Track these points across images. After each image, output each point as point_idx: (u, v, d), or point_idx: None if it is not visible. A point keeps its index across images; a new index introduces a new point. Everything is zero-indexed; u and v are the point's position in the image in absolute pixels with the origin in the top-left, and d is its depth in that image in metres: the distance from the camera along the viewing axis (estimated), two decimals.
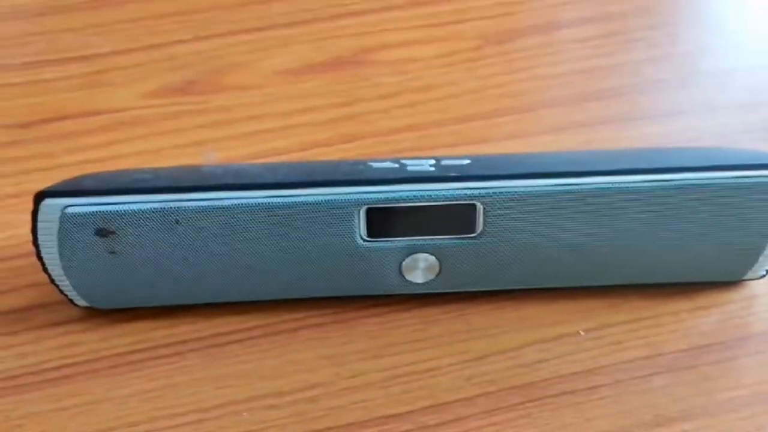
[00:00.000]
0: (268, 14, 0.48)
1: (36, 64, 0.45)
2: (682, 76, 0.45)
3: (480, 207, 0.30)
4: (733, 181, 0.30)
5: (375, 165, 0.32)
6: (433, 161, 0.32)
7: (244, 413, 0.31)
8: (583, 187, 0.30)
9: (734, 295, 0.34)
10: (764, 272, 0.34)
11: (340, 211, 0.30)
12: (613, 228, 0.31)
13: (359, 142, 0.41)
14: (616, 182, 0.30)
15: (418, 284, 0.33)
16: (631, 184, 0.30)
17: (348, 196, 0.30)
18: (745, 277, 0.34)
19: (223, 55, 0.46)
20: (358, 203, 0.30)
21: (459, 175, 0.30)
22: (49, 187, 0.30)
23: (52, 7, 0.47)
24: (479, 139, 0.41)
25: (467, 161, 0.32)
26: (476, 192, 0.30)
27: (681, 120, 0.43)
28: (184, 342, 0.33)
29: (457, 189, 0.30)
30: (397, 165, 0.32)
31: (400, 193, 0.30)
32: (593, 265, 0.32)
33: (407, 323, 0.34)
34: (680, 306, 0.34)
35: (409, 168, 0.31)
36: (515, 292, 0.34)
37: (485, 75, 0.45)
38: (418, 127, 0.42)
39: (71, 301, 0.33)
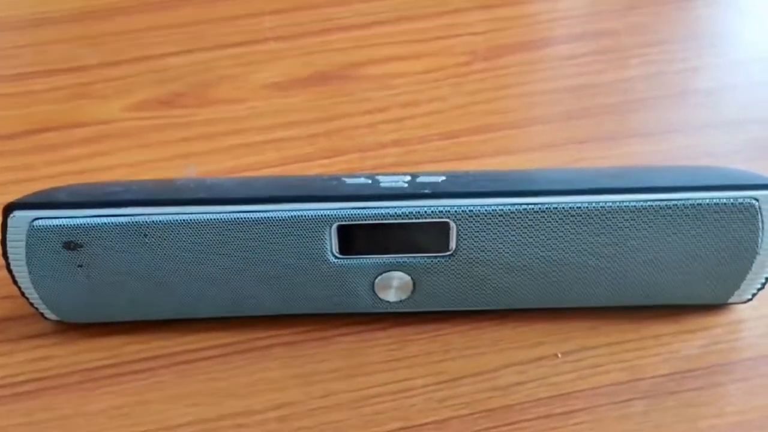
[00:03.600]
0: (257, 28, 0.48)
1: (24, 76, 0.46)
2: (674, 94, 0.44)
3: (453, 225, 0.30)
4: (715, 202, 0.30)
5: (348, 181, 0.31)
6: (408, 177, 0.32)
7: None
8: (561, 206, 0.30)
9: (720, 320, 0.33)
10: (750, 296, 0.33)
11: (312, 227, 0.30)
12: (593, 248, 0.30)
13: (342, 157, 0.41)
14: (594, 202, 0.30)
15: (391, 303, 0.32)
16: (611, 204, 0.29)
17: (319, 212, 0.30)
18: (731, 301, 0.33)
19: (210, 69, 0.46)
20: (330, 220, 0.30)
21: (432, 192, 0.30)
22: (18, 199, 0.30)
23: (41, 20, 0.48)
24: (464, 155, 0.41)
25: (443, 178, 0.32)
26: (449, 209, 0.30)
27: (672, 138, 0.42)
28: (156, 358, 0.33)
29: (430, 206, 0.30)
30: (370, 181, 0.31)
31: (372, 210, 0.30)
32: (573, 286, 0.32)
33: (382, 342, 0.33)
34: (663, 329, 0.33)
35: (382, 184, 0.31)
36: (494, 312, 0.33)
37: (473, 91, 0.44)
38: (402, 142, 0.41)
39: (42, 314, 0.33)
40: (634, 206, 0.30)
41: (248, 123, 0.43)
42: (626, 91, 0.44)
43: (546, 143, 0.41)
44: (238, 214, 0.30)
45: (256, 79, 0.45)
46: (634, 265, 0.31)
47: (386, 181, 0.31)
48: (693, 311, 0.33)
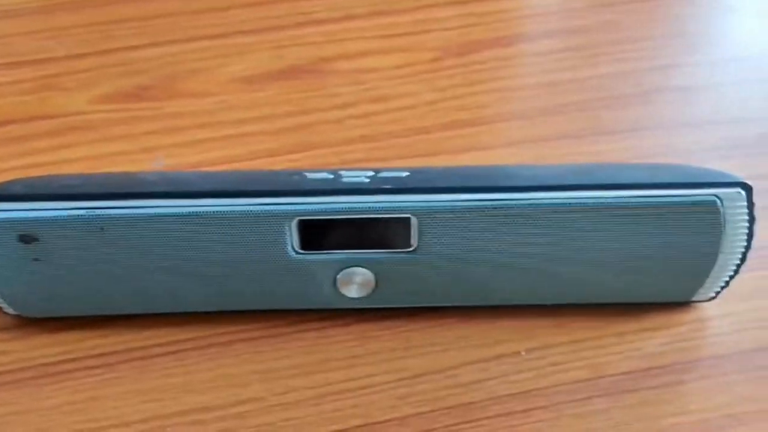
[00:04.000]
0: (228, 21, 0.48)
1: None
2: (646, 92, 0.44)
3: (414, 221, 0.30)
4: (677, 200, 0.30)
5: (310, 176, 0.31)
6: (371, 173, 0.31)
7: (168, 429, 0.30)
8: (521, 202, 0.29)
9: (684, 317, 0.33)
10: (714, 294, 0.33)
11: (272, 222, 0.30)
12: (555, 245, 0.30)
13: (309, 152, 0.40)
14: (556, 198, 0.29)
15: (353, 299, 0.32)
16: (573, 200, 0.29)
17: (280, 207, 0.29)
18: (695, 299, 0.33)
19: (179, 62, 0.45)
20: (290, 215, 0.29)
21: (393, 187, 0.30)
22: None
23: (6, 11, 0.47)
24: (433, 151, 0.40)
25: (406, 173, 0.31)
26: (410, 205, 0.29)
27: (643, 137, 0.42)
28: (114, 353, 0.32)
29: (391, 202, 0.29)
30: (332, 176, 0.31)
31: (333, 205, 0.29)
32: (536, 283, 0.32)
33: (344, 339, 0.33)
34: (626, 327, 0.33)
35: (344, 179, 0.31)
36: (457, 309, 0.33)
37: (443, 87, 0.44)
38: (371, 138, 0.41)
39: (0, 308, 0.32)
40: (594, 203, 0.29)
41: (216, 117, 0.42)
42: (598, 89, 0.44)
43: (517, 140, 0.41)
44: (197, 208, 0.29)
45: (226, 72, 0.45)
46: (599, 263, 0.31)
47: (348, 176, 0.31)
48: (657, 309, 0.33)
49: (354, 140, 0.41)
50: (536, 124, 0.42)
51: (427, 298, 0.32)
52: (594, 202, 0.29)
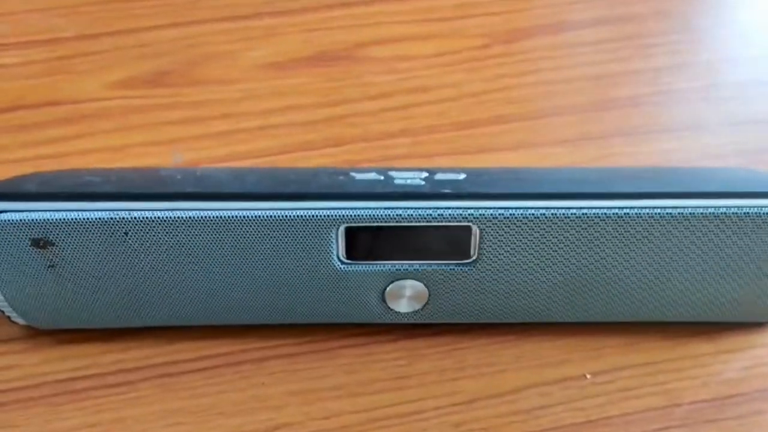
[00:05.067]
0: (253, 1, 0.44)
1: None
2: (703, 86, 0.41)
3: (476, 230, 0.27)
4: (756, 210, 0.26)
5: (358, 176, 0.28)
6: (425, 174, 0.28)
7: None
8: (595, 211, 0.26)
9: (762, 339, 0.30)
10: None
11: (315, 229, 0.26)
12: (628, 258, 0.27)
13: (346, 146, 0.37)
14: (635, 207, 0.26)
15: (402, 314, 0.29)
16: (648, 210, 0.26)
17: (325, 212, 0.26)
18: None
19: (201, 44, 0.42)
20: (336, 221, 0.26)
21: (453, 192, 0.27)
22: None
23: None
24: (479, 148, 0.37)
25: (463, 175, 0.28)
26: (472, 212, 0.26)
27: (701, 135, 0.39)
28: (136, 369, 0.29)
29: (451, 208, 0.26)
30: (382, 177, 0.28)
31: (386, 211, 0.26)
32: (605, 300, 0.29)
33: (391, 357, 0.30)
34: (702, 349, 0.30)
35: (396, 181, 0.27)
36: (515, 326, 0.30)
37: (489, 77, 0.41)
38: (411, 132, 0.38)
39: (8, 318, 0.29)
40: (680, 213, 0.26)
41: (242, 106, 0.39)
42: (652, 82, 0.41)
43: (568, 137, 0.38)
44: (232, 212, 0.26)
45: (252, 57, 0.42)
46: (673, 277, 0.28)
47: (401, 178, 0.28)
48: (733, 329, 0.30)
49: (394, 134, 0.38)
50: (588, 120, 0.39)
51: (484, 314, 0.29)
52: (680, 213, 0.26)
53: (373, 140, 0.38)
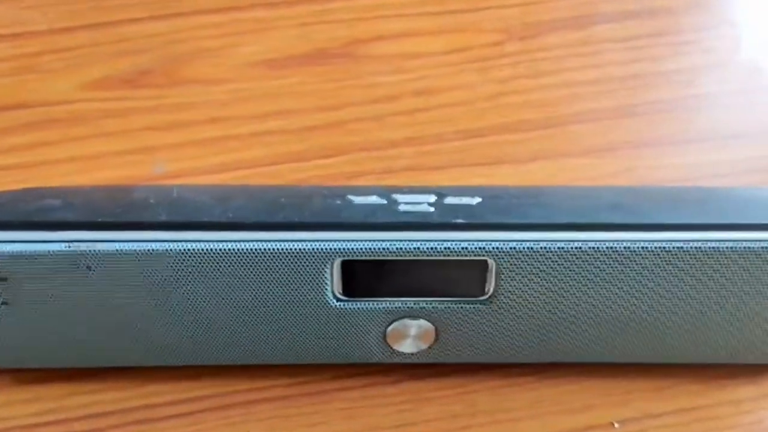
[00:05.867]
0: None
1: None
2: (743, 89, 0.38)
3: (492, 264, 0.24)
4: None
5: (357, 200, 0.25)
6: (433, 197, 0.25)
7: None
8: (629, 244, 0.24)
9: None
10: None
11: (308, 263, 0.24)
12: (664, 294, 0.25)
13: (344, 157, 0.34)
14: (672, 240, 0.24)
15: (407, 354, 0.27)
16: (690, 244, 0.24)
17: (318, 245, 0.24)
18: None
19: (185, 40, 0.39)
20: (331, 254, 0.24)
21: (467, 222, 0.24)
22: None
23: None
24: (493, 159, 0.35)
25: (477, 199, 0.25)
26: (489, 245, 0.24)
27: (743, 145, 0.36)
28: (105, 414, 0.27)
29: (464, 241, 0.24)
30: (385, 201, 0.25)
31: (388, 244, 0.24)
32: (635, 339, 0.26)
33: (394, 400, 0.28)
34: (742, 392, 0.28)
35: (401, 208, 0.25)
36: (532, 365, 0.28)
37: (504, 78, 0.38)
38: (418, 140, 0.35)
39: None
40: (724, 248, 0.24)
41: (230, 110, 0.36)
42: (688, 84, 0.38)
43: (593, 146, 0.35)
44: (212, 244, 0.24)
45: (242, 54, 0.39)
46: (711, 314, 0.26)
47: (406, 202, 0.25)
48: None
49: (398, 143, 0.35)
50: (615, 127, 0.36)
51: (498, 354, 0.27)
52: (722, 246, 0.24)
53: (374, 150, 0.35)
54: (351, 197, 0.25)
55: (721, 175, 0.34)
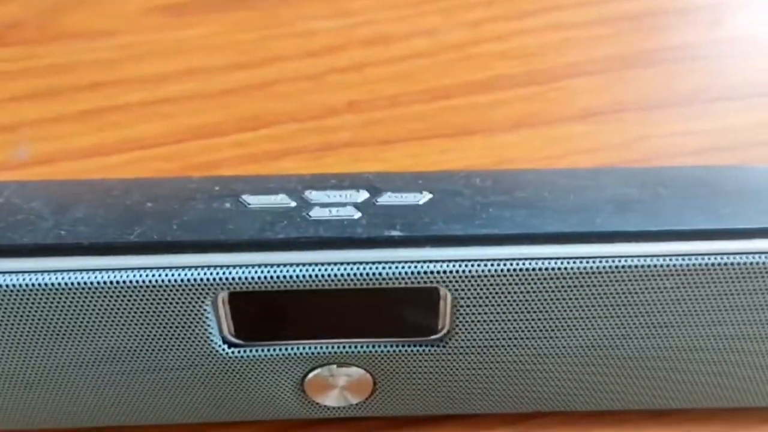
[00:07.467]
0: None
1: None
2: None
3: (446, 294, 0.19)
4: None
5: (253, 203, 0.19)
6: (363, 196, 0.19)
7: None
8: (642, 261, 0.19)
9: None
10: None
11: (178, 299, 0.18)
12: (666, 325, 0.20)
13: (268, 130, 0.29)
14: (700, 253, 0.19)
15: (334, 409, 0.21)
16: (722, 258, 0.19)
17: (190, 274, 0.18)
18: None
19: None
20: (211, 285, 0.18)
21: (405, 235, 0.18)
22: None
23: None
24: (462, 128, 0.29)
25: (426, 196, 0.19)
26: (440, 267, 0.18)
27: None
28: None
29: (403, 262, 0.18)
30: (293, 204, 0.19)
31: (290, 270, 0.18)
32: (642, 381, 0.21)
33: None
34: None
35: (314, 214, 0.18)
36: (512, 415, 0.23)
37: (476, 21, 0.33)
38: (365, 105, 0.30)
39: None
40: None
41: (121, 70, 0.31)
42: (713, 24, 0.33)
43: (591, 109, 0.30)
44: (39, 276, 0.18)
45: None
46: (746, 347, 0.21)
47: (322, 204, 0.19)
48: None
49: (339, 109, 0.30)
50: (618, 83, 0.31)
51: (456, 405, 0.22)
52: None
53: (309, 119, 0.30)
54: (247, 198, 0.19)
55: (752, 143, 0.29)
